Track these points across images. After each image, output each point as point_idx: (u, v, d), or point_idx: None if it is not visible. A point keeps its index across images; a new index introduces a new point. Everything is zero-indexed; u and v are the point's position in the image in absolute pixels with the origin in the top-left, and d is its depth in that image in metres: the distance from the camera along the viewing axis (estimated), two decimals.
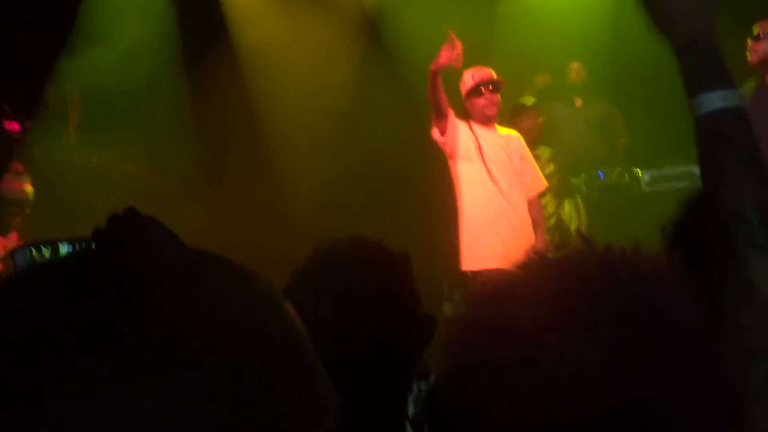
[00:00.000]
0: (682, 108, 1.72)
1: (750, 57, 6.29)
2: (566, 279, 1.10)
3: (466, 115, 6.96)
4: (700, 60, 1.67)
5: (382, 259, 2.20)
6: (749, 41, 6.33)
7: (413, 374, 2.22)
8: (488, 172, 6.78)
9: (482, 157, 6.77)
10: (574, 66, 9.23)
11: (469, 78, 6.92)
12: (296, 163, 9.71)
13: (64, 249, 1.71)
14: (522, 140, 7.19)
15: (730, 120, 1.64)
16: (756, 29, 6.32)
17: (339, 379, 2.05)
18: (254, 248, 9.03)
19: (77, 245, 1.70)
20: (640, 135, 8.83)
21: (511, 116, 7.62)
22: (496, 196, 6.77)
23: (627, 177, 8.49)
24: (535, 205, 7.12)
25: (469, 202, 6.81)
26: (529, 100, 7.98)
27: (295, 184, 9.67)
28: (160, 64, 9.66)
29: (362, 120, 9.61)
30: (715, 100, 1.64)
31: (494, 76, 6.97)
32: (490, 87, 6.91)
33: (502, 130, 7.10)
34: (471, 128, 6.89)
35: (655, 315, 1.07)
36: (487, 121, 6.94)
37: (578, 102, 9.18)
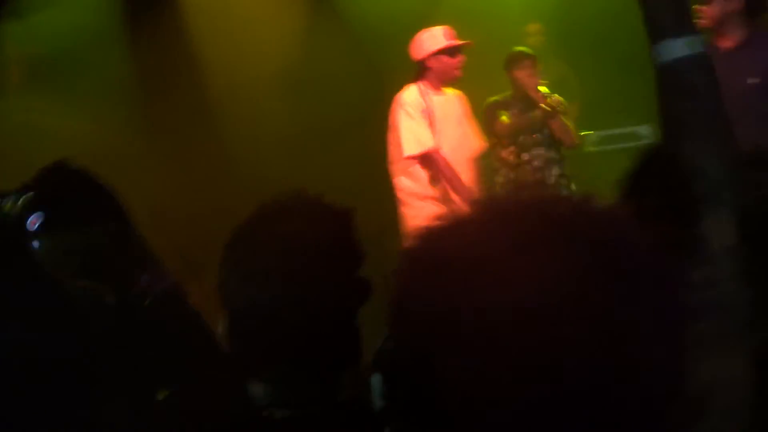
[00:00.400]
0: (631, 69, 1.68)
1: (700, 21, 6.22)
2: (536, 209, 1.07)
3: (419, 73, 6.90)
4: (665, 4, 1.63)
5: (325, 212, 2.17)
6: (697, 6, 6.25)
7: (347, 341, 2.17)
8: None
9: (433, 129, 6.77)
10: (532, 28, 9.18)
11: (440, 35, 6.85)
12: (244, 121, 9.60)
13: None
14: (465, 98, 7.20)
15: (695, 70, 1.60)
16: None
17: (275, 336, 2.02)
18: (200, 205, 9.04)
19: (3, 200, 1.64)
20: (591, 96, 8.82)
21: (508, 65, 7.43)
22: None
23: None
24: (475, 165, 7.20)
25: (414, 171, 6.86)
26: (525, 49, 7.81)
27: (243, 142, 9.57)
28: (104, 21, 9.49)
29: (311, 76, 9.52)
30: (679, 47, 1.60)
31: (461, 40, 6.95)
32: (460, 48, 6.88)
33: (448, 90, 7.06)
34: (422, 95, 6.84)
35: (624, 239, 1.04)
36: (447, 82, 6.94)
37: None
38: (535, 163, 7.38)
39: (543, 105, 7.26)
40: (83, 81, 9.26)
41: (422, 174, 6.85)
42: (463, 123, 7.10)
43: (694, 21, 1.65)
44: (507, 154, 7.41)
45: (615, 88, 8.41)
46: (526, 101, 7.37)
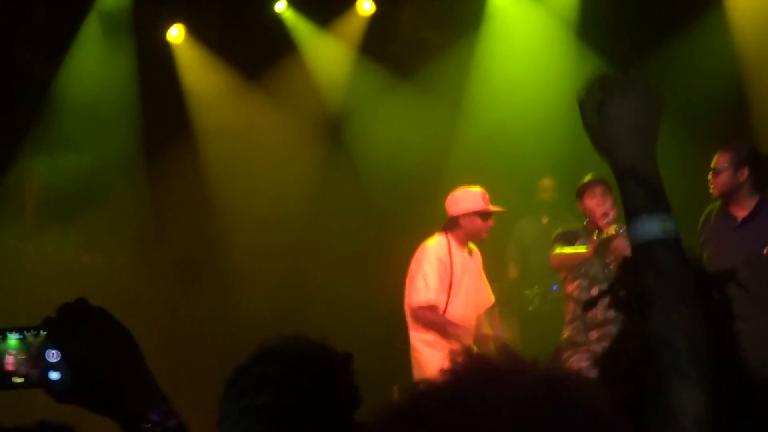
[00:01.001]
0: None
1: (711, 190, 6.48)
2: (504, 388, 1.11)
3: (449, 227, 6.98)
4: (638, 186, 1.71)
5: (323, 355, 2.25)
6: (709, 175, 6.51)
7: None
8: (449, 297, 6.87)
9: (450, 287, 6.85)
10: (546, 183, 9.29)
11: (479, 197, 6.95)
12: (252, 257, 9.73)
13: (13, 337, 1.72)
14: (480, 256, 7.22)
15: (665, 251, 1.67)
16: (713, 162, 6.50)
17: None
18: (208, 336, 9.11)
19: (26, 333, 1.72)
20: None
21: (579, 194, 7.11)
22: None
23: None
24: (484, 321, 7.19)
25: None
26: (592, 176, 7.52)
27: (250, 278, 9.69)
28: (124, 157, 9.71)
29: (321, 218, 9.68)
30: (652, 229, 1.67)
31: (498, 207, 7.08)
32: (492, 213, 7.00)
33: (471, 245, 7.14)
34: (447, 248, 6.92)
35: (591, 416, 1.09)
36: (473, 241, 7.03)
37: (545, 219, 9.23)
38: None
39: (607, 232, 6.66)
40: (102, 216, 9.44)
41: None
42: (480, 278, 7.16)
43: (666, 201, 1.71)
44: (573, 288, 6.91)
45: None
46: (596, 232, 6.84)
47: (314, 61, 10.19)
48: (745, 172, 6.26)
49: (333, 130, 10.19)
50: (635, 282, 1.75)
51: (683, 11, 9.02)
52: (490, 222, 6.98)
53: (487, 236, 7.09)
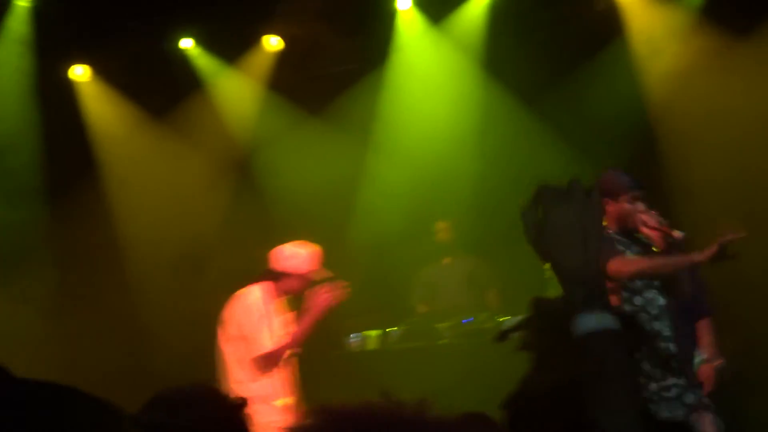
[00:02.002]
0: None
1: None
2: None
3: (269, 277, 6.75)
4: (580, 289, 1.79)
5: (215, 401, 2.30)
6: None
7: None
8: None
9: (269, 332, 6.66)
10: (441, 225, 9.40)
11: (307, 261, 6.71)
12: (162, 299, 9.62)
13: None
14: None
15: (603, 342, 1.75)
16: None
17: None
18: (108, 380, 8.91)
19: None
20: (508, 284, 8.98)
21: (611, 193, 6.25)
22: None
23: (492, 322, 8.62)
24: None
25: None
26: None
27: (161, 321, 9.56)
28: (25, 198, 9.55)
29: (230, 255, 9.58)
30: (590, 322, 1.76)
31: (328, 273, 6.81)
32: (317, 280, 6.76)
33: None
34: (266, 299, 6.71)
35: None
36: (283, 296, 6.76)
37: (446, 260, 9.36)
38: (651, 310, 6.13)
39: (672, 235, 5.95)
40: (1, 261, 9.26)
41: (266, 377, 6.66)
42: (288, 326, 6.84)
43: (606, 300, 1.81)
44: (615, 299, 6.12)
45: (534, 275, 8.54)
46: (629, 237, 6.22)
47: (222, 98, 10.14)
48: None
49: (241, 167, 10.13)
50: (543, 326, 1.92)
51: (587, 42, 9.17)
52: (311, 285, 6.70)
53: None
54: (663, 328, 5.98)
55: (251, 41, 9.92)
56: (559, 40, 9.24)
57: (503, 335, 2.24)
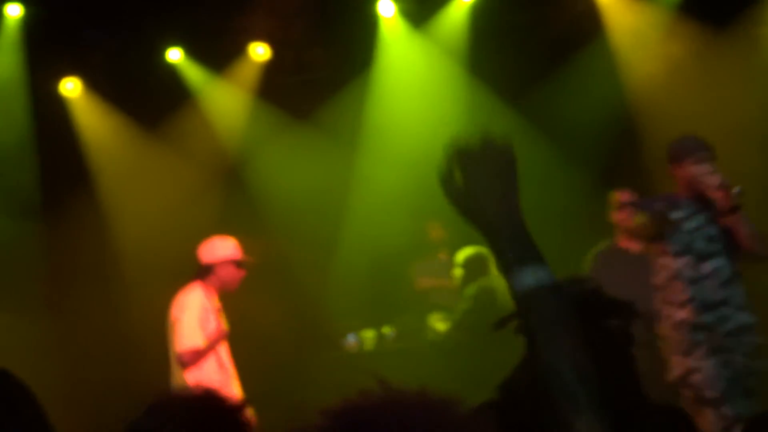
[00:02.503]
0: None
1: (618, 224, 6.59)
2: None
3: (202, 275, 6.91)
4: (508, 244, 1.82)
5: (212, 407, 2.29)
6: (613, 211, 6.68)
7: None
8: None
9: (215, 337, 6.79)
10: (433, 225, 9.51)
11: (233, 248, 6.95)
12: (154, 309, 9.66)
13: None
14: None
15: (540, 298, 1.77)
16: (616, 197, 6.68)
17: None
18: (103, 390, 8.99)
19: None
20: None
21: (676, 157, 6.08)
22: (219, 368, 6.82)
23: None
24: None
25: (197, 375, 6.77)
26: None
27: (153, 332, 9.60)
28: (21, 211, 9.64)
29: None
30: (526, 279, 1.78)
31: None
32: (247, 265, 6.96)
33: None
34: (205, 297, 6.84)
35: None
36: (225, 290, 6.95)
37: (442, 255, 9.44)
38: (722, 275, 5.83)
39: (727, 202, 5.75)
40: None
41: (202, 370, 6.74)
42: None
43: (536, 252, 1.82)
44: (680, 265, 5.92)
45: None
46: (697, 203, 5.96)
47: (210, 107, 10.24)
48: None
49: (232, 175, 10.23)
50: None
51: (568, 42, 9.29)
52: (243, 272, 6.95)
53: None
54: (734, 295, 5.80)
55: (237, 51, 10.02)
56: (540, 41, 9.37)
57: (502, 323, 2.31)
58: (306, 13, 9.55)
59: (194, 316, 6.71)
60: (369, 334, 8.95)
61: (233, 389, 6.81)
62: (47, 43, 9.36)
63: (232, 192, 10.12)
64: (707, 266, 5.83)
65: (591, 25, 9.28)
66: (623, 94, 9.28)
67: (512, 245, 1.81)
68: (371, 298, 9.56)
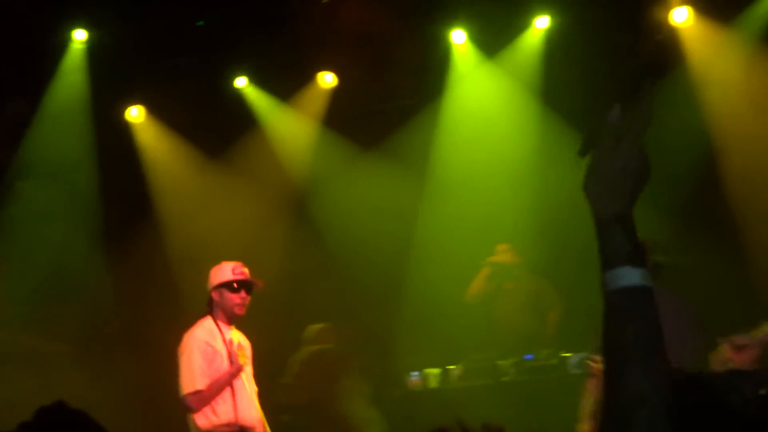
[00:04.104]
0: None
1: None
2: None
3: (209, 306, 6.65)
4: (622, 236, 1.68)
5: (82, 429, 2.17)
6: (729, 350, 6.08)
7: None
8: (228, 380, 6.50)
9: (213, 365, 6.47)
10: (502, 248, 9.24)
11: (228, 271, 6.61)
12: None
13: None
14: (249, 345, 6.78)
15: (645, 299, 1.63)
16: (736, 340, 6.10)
17: None
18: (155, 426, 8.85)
19: None
20: (571, 317, 8.81)
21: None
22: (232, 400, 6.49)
23: (555, 359, 8.46)
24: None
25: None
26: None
27: None
28: (85, 239, 9.56)
29: (289, 293, 9.51)
30: (634, 276, 1.64)
31: (250, 278, 6.66)
32: (247, 288, 6.61)
33: (236, 332, 6.70)
34: (215, 329, 6.56)
35: None
36: (231, 318, 6.61)
37: (508, 285, 9.17)
38: None
39: None
40: (64, 303, 9.27)
41: (208, 411, 6.43)
42: (250, 365, 6.68)
43: (645, 254, 1.69)
44: None
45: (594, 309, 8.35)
46: None
47: (277, 135, 10.12)
48: None
49: (298, 204, 10.08)
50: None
51: (647, 72, 9.01)
52: (243, 293, 6.57)
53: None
54: None
55: (306, 78, 9.89)
56: (617, 71, 9.09)
57: None
58: (376, 41, 9.37)
59: (193, 357, 6.44)
60: (434, 371, 8.74)
61: (255, 428, 6.52)
62: (112, 69, 9.30)
63: (298, 222, 10.01)
64: None
65: (672, 53, 8.97)
66: (705, 125, 8.95)
67: (626, 239, 1.68)
68: (439, 335, 9.33)
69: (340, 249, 9.62)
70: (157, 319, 9.65)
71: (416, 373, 8.78)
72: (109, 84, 9.48)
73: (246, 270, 6.66)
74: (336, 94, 9.92)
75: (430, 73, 9.74)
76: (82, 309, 9.46)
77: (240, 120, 9.89)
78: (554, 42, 9.32)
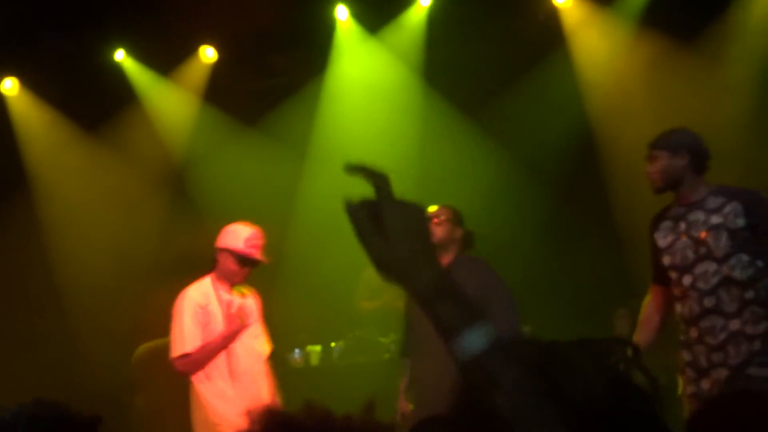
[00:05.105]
0: None
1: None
2: None
3: (213, 263, 6.37)
4: (449, 304, 1.57)
5: (63, 422, 2.18)
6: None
7: None
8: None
9: (208, 328, 6.23)
10: None
11: (241, 240, 6.25)
12: (93, 315, 9.42)
13: None
14: (258, 301, 6.54)
15: (499, 359, 1.52)
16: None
17: None
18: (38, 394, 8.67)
19: None
20: None
21: None
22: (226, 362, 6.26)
23: None
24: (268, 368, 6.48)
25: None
26: None
27: (92, 337, 9.35)
28: None
29: (165, 269, 9.38)
30: (477, 338, 1.53)
31: (259, 256, 6.29)
32: (253, 265, 6.31)
33: (236, 290, 6.41)
34: (213, 289, 6.32)
35: None
36: (228, 283, 6.32)
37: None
38: None
39: None
40: None
41: (202, 375, 6.21)
42: (257, 324, 6.43)
43: (476, 308, 1.58)
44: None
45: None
46: None
47: (156, 110, 9.93)
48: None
49: (177, 179, 9.95)
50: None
51: (528, 53, 9.12)
52: (247, 270, 6.30)
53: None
54: None
55: (186, 53, 9.73)
56: (499, 50, 9.16)
57: None
58: (259, 16, 9.26)
59: (183, 319, 6.19)
60: (316, 349, 8.73)
61: (254, 400, 6.12)
62: None
63: (175, 198, 9.86)
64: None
65: (552, 34, 9.08)
66: (584, 105, 9.10)
67: (454, 304, 1.57)
68: (319, 313, 9.31)
69: (218, 225, 9.52)
70: (27, 291, 9.49)
71: (298, 350, 8.74)
72: None
73: (261, 241, 6.29)
74: (217, 69, 9.77)
75: (313, 49, 9.66)
76: None
77: (118, 94, 9.67)
78: (437, 20, 9.33)
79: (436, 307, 1.57)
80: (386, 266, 1.64)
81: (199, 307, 6.24)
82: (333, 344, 8.81)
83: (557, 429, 1.46)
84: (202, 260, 8.92)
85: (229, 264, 6.28)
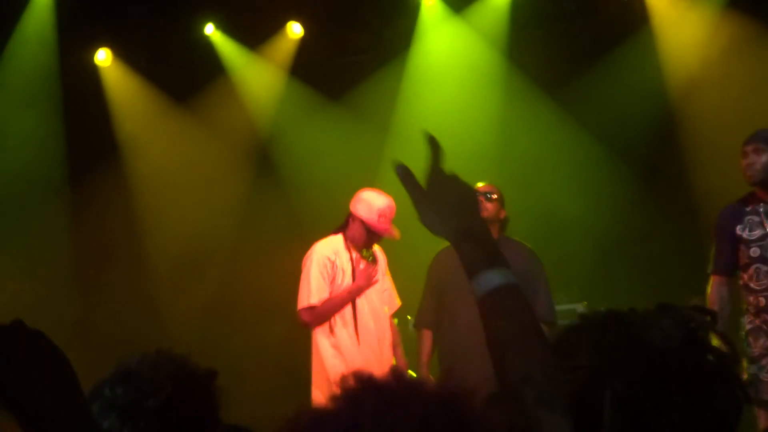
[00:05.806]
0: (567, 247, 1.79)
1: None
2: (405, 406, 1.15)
3: (345, 224, 6.56)
4: (475, 246, 1.81)
5: (179, 376, 2.25)
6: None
7: None
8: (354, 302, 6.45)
9: (335, 284, 6.41)
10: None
11: (375, 213, 6.41)
12: (179, 284, 9.62)
13: None
14: (383, 256, 6.72)
15: (510, 295, 1.76)
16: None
17: None
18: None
19: None
20: None
21: None
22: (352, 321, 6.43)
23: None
24: (392, 324, 6.70)
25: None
26: None
27: (176, 306, 9.55)
28: (48, 173, 9.64)
29: (249, 241, 9.57)
30: (495, 278, 1.77)
31: (390, 231, 6.47)
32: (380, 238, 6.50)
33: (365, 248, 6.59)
34: (344, 247, 6.48)
35: None
36: (355, 247, 6.51)
37: None
38: None
39: None
40: (26, 242, 9.29)
41: (326, 329, 6.37)
42: (384, 279, 6.62)
43: (503, 257, 1.82)
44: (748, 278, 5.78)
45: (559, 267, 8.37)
46: None
47: (243, 84, 10.09)
48: None
49: (262, 152, 10.10)
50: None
51: (611, 32, 9.10)
52: (374, 241, 6.50)
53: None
54: None
55: (274, 28, 9.88)
56: (582, 31, 9.19)
57: None
58: None
59: (311, 272, 6.36)
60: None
61: (376, 356, 6.39)
62: (79, 12, 9.27)
63: (261, 170, 10.01)
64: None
65: (635, 15, 9.06)
66: (666, 86, 9.05)
67: (481, 247, 1.82)
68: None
69: (301, 199, 9.66)
70: (114, 264, 9.69)
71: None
72: (77, 27, 9.45)
73: (393, 214, 6.46)
74: (303, 44, 9.91)
75: (398, 27, 9.75)
76: (43, 250, 9.51)
77: (207, 67, 9.86)
78: (522, 0, 9.37)
79: (464, 248, 1.82)
80: (429, 224, 1.88)
81: (328, 260, 6.40)
82: (409, 317, 8.88)
83: (544, 360, 1.69)
84: (284, 233, 9.15)
85: (359, 232, 6.47)
